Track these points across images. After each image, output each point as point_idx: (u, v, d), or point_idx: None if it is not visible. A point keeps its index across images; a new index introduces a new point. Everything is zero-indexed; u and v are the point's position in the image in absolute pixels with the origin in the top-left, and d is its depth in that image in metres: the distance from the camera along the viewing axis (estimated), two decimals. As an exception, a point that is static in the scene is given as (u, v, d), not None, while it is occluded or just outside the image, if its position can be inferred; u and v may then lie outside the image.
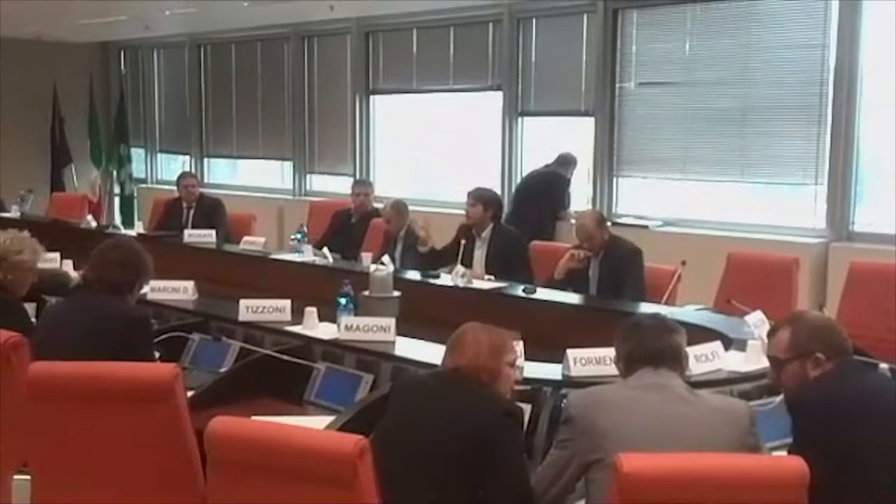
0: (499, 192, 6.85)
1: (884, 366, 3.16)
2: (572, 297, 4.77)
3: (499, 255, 5.50)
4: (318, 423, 3.02)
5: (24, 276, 3.79)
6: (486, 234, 5.61)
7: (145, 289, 3.89)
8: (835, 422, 2.36)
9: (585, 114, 7.59)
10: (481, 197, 5.67)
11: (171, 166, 11.33)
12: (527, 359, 3.18)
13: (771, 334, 2.70)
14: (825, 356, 2.51)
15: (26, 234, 3.85)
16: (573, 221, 5.30)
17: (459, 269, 5.02)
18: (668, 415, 2.42)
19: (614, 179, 7.51)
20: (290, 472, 2.20)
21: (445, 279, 5.07)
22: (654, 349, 2.56)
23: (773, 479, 2.15)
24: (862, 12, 6.18)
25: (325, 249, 5.75)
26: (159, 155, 11.66)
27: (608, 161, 7.46)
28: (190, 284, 4.48)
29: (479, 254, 5.59)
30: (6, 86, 10.31)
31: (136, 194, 11.14)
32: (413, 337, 3.67)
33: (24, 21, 9.31)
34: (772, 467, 2.23)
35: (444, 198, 8.18)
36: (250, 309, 4.01)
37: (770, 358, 2.67)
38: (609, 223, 5.36)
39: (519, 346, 3.03)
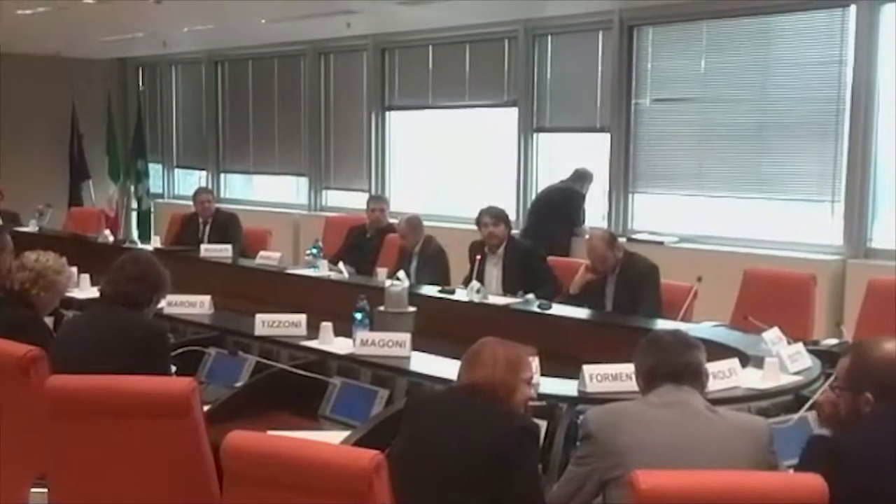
0: (514, 207, 6.86)
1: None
2: (588, 313, 4.76)
3: (515, 270, 5.50)
4: (333, 437, 3.02)
5: (53, 299, 3.83)
6: (500, 250, 5.61)
7: (162, 303, 3.90)
8: (866, 477, 2.16)
9: (601, 130, 7.59)
10: (500, 216, 5.69)
11: (188, 181, 11.39)
12: (542, 374, 3.16)
13: (843, 354, 2.51)
14: (874, 398, 2.31)
15: (64, 259, 3.89)
16: (587, 237, 5.30)
17: (475, 284, 5.02)
18: (688, 432, 2.41)
19: (630, 196, 7.50)
20: (305, 487, 2.20)
21: (461, 294, 5.07)
22: (675, 365, 2.54)
23: (791, 497, 2.13)
24: (879, 29, 6.16)
25: (341, 264, 5.77)
26: (176, 170, 11.74)
27: (623, 177, 7.46)
28: (206, 299, 4.50)
29: (496, 271, 5.58)
30: (26, 102, 10.43)
31: (152, 209, 11.21)
32: (428, 352, 3.66)
33: (44, 38, 9.42)
34: (790, 485, 2.21)
35: (460, 213, 8.19)
36: (266, 323, 4.02)
37: (836, 377, 2.51)
38: (624, 240, 5.34)
39: (535, 362, 3.02)
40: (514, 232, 6.33)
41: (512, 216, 6.56)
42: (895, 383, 2.31)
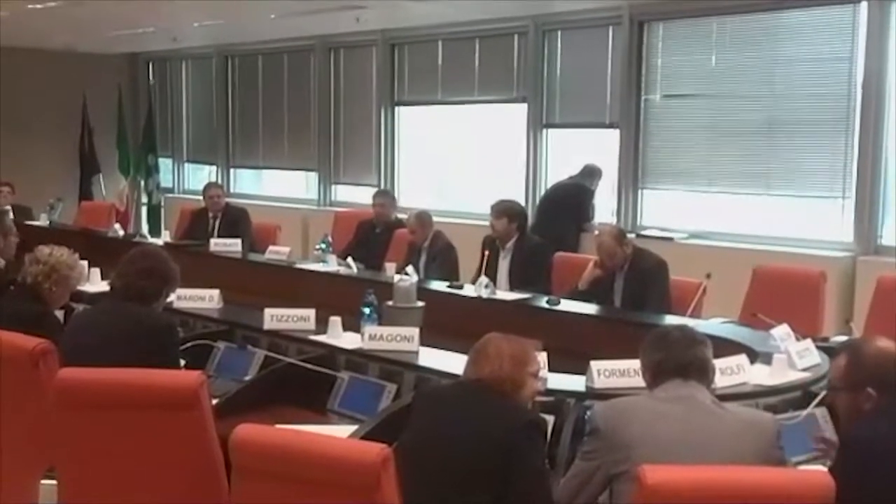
0: (523, 203, 6.84)
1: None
2: (597, 309, 4.75)
3: (521, 266, 5.51)
4: (341, 432, 3.03)
5: (64, 294, 3.87)
6: (510, 244, 5.62)
7: (171, 297, 3.91)
8: (877, 465, 2.20)
9: (610, 126, 7.58)
10: (504, 210, 5.69)
11: (198, 176, 11.43)
12: (550, 370, 3.17)
13: (833, 356, 2.61)
14: (876, 393, 2.38)
15: (77, 255, 3.91)
16: (597, 233, 5.30)
17: (483, 279, 5.02)
18: (695, 427, 2.41)
19: (639, 192, 7.49)
20: (313, 481, 2.21)
21: (469, 290, 5.07)
22: (682, 360, 2.55)
23: (798, 493, 2.13)
24: (890, 25, 6.14)
25: (350, 259, 5.77)
26: (186, 165, 11.77)
27: (633, 173, 7.45)
28: (215, 293, 4.51)
29: (504, 264, 5.60)
30: (37, 96, 10.47)
31: (163, 204, 11.23)
32: (436, 347, 3.67)
33: (55, 33, 9.45)
34: (797, 481, 2.22)
35: (469, 209, 8.19)
36: (275, 318, 4.03)
37: (829, 379, 2.61)
38: (633, 236, 5.32)
39: (542, 357, 3.03)
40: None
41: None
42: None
